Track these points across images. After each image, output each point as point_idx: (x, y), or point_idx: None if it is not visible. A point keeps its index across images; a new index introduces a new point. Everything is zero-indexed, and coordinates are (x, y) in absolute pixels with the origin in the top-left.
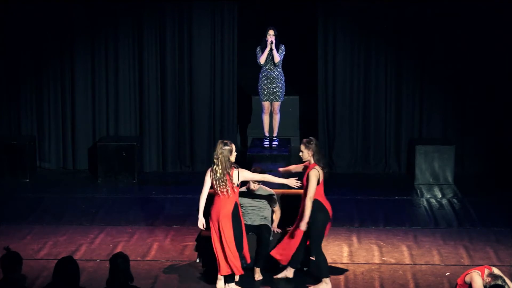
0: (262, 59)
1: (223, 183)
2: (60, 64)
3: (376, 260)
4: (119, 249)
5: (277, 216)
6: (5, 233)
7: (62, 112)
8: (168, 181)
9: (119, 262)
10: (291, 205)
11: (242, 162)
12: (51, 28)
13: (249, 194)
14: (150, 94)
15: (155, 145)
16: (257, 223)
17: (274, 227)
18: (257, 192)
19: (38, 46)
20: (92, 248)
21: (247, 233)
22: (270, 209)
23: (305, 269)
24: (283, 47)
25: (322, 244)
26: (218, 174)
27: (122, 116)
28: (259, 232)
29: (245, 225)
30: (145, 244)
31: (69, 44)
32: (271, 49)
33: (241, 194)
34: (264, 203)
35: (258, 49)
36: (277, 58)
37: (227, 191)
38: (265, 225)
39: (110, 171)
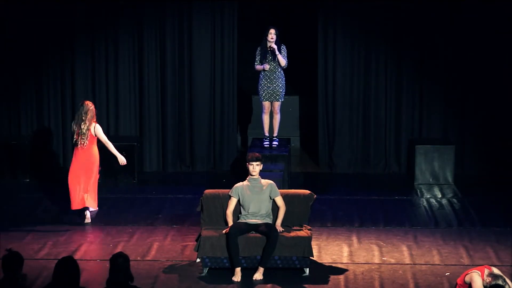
0: (257, 68)
1: (85, 136)
2: (60, 64)
3: (376, 260)
4: (119, 249)
5: (281, 213)
6: (5, 233)
7: (62, 112)
8: (168, 181)
9: (120, 262)
10: (291, 204)
11: (243, 162)
12: (51, 28)
13: (249, 186)
14: (150, 94)
15: (155, 145)
16: (260, 221)
17: (278, 224)
18: (256, 184)
19: (38, 46)
20: (92, 248)
21: (249, 232)
22: (270, 204)
23: (305, 269)
24: (284, 47)
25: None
26: (84, 130)
27: (122, 116)
28: (268, 232)
29: (248, 224)
30: (145, 244)
31: (69, 44)
32: (275, 55)
33: (241, 187)
34: (264, 195)
35: (258, 51)
36: (283, 61)
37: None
38: (271, 224)
39: (110, 171)
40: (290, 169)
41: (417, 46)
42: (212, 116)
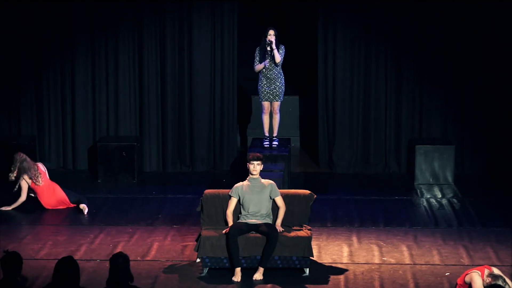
0: (257, 68)
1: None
2: (60, 64)
3: (376, 260)
4: (119, 249)
5: (281, 213)
6: (5, 233)
7: (62, 112)
8: (168, 181)
9: (119, 261)
10: (291, 204)
11: (243, 162)
12: (51, 28)
13: (249, 186)
14: (150, 94)
15: (155, 145)
16: (260, 221)
17: (278, 224)
18: (256, 183)
19: (38, 46)
20: (92, 248)
21: (249, 232)
22: (270, 204)
23: (305, 269)
24: (283, 47)
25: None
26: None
27: (122, 116)
28: (268, 232)
29: (248, 224)
30: (145, 244)
31: (69, 44)
32: (271, 49)
33: (241, 187)
34: (264, 195)
35: (257, 51)
36: (278, 57)
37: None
38: (271, 224)
39: (110, 171)
40: (290, 169)
41: (417, 46)
42: (212, 116)
